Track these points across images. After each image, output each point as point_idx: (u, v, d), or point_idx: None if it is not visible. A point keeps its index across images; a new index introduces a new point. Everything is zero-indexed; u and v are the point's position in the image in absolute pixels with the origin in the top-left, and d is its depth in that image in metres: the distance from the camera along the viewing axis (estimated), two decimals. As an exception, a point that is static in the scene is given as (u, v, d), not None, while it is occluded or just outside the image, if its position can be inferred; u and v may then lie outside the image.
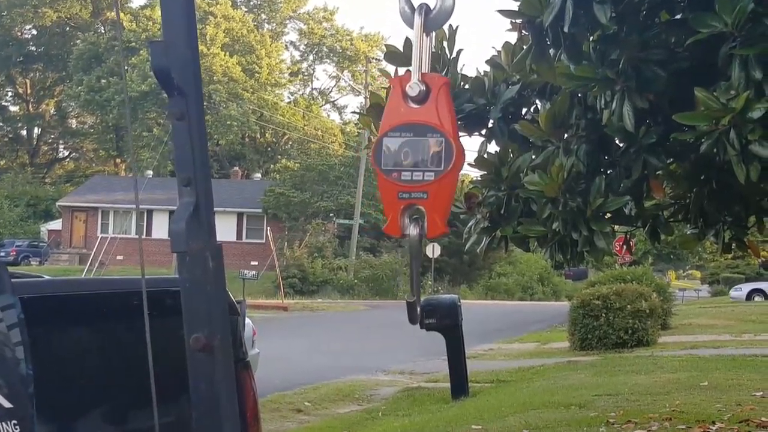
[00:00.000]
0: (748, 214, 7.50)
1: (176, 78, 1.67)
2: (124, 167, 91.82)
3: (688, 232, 7.75)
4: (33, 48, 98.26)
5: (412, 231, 2.41)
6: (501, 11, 5.72)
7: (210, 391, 1.62)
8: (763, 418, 10.92)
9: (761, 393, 13.34)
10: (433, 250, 60.50)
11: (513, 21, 6.17)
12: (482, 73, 6.91)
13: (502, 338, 30.77)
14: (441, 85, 2.69)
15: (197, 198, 1.56)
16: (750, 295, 54.07)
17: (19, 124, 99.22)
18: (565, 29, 5.27)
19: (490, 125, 6.80)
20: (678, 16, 5.65)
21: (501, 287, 68.00)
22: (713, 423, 10.75)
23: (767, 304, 45.95)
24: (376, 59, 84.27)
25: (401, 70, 6.83)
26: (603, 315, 24.08)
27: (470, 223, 7.16)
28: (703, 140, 5.06)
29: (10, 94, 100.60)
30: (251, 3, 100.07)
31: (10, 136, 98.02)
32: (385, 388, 19.30)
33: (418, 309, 2.51)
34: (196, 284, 1.59)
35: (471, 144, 45.45)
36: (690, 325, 31.68)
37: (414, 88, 2.66)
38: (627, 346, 23.84)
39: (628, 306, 24.07)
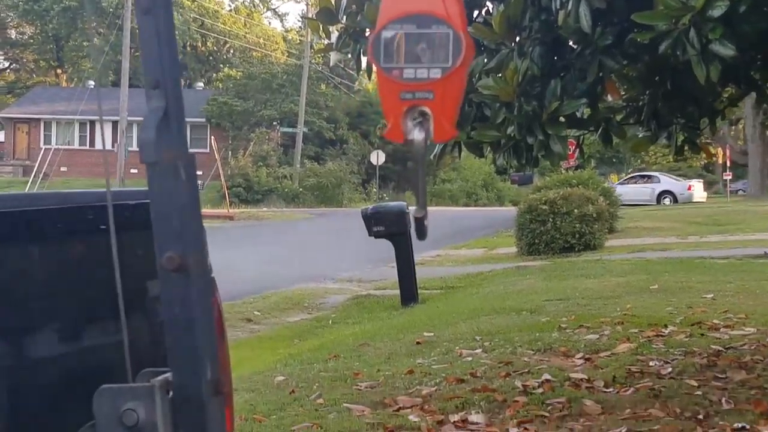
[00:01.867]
0: (701, 115, 7.45)
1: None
2: (65, 78, 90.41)
3: (641, 135, 7.67)
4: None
5: (417, 135, 2.09)
6: None
7: (186, 313, 1.50)
8: (715, 321, 10.97)
9: (712, 295, 13.43)
10: (377, 157, 60.48)
11: None
12: (433, -25, 6.73)
13: (448, 244, 30.76)
14: (447, -29, 2.45)
15: (167, 102, 1.42)
16: None
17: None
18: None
19: (442, 29, 6.64)
20: None
21: (445, 193, 68.10)
22: (665, 326, 10.74)
23: (710, 205, 46.32)
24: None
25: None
26: (550, 220, 24.25)
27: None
28: (661, 40, 4.97)
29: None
30: None
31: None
32: (334, 296, 19.31)
33: (425, 223, 2.21)
34: (168, 198, 1.44)
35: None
36: (636, 228, 31.92)
37: (417, -26, 2.39)
38: (575, 250, 24.05)
39: (575, 210, 24.25)
